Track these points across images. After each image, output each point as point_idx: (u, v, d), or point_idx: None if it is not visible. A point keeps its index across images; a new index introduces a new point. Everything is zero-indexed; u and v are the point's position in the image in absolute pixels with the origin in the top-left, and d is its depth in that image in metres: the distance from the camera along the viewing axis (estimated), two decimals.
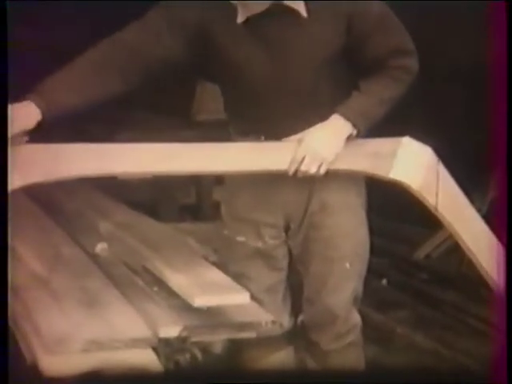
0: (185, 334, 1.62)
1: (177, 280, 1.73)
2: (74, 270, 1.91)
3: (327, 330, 1.87)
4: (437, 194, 1.72)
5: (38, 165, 1.54)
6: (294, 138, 1.72)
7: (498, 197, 1.51)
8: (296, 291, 1.98)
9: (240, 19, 1.67)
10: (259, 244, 1.85)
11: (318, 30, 1.68)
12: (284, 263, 1.90)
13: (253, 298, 1.78)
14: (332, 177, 1.77)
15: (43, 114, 1.55)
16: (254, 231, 1.84)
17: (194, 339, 1.64)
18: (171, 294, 1.74)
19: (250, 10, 1.66)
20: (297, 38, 1.69)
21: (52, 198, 2.56)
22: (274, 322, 1.70)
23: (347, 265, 1.83)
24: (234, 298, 1.66)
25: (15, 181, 1.50)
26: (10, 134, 1.49)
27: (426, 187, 1.71)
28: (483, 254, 1.75)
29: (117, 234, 2.16)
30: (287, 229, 1.86)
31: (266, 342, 1.80)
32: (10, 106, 1.49)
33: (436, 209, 1.72)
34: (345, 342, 1.88)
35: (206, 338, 1.67)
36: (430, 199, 1.72)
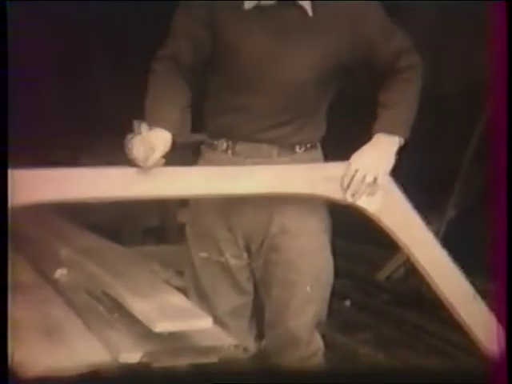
0: (146, 359, 1.61)
1: (138, 305, 1.72)
2: (34, 297, 1.89)
3: (290, 354, 1.87)
4: (392, 217, 1.75)
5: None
6: (341, 164, 1.74)
7: (498, 198, 1.52)
8: (260, 315, 1.98)
9: (247, 6, 1.72)
10: (221, 259, 1.86)
11: (322, 31, 1.73)
12: (249, 287, 1.91)
13: (217, 321, 1.79)
14: (293, 201, 1.79)
15: (173, 136, 1.69)
16: (214, 246, 1.86)
17: (155, 365, 1.64)
18: (132, 319, 1.72)
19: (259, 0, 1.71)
20: (299, 36, 1.73)
21: (13, 224, 2.52)
22: (236, 346, 1.70)
23: (308, 288, 1.83)
24: (196, 322, 1.66)
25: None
26: (142, 159, 1.62)
27: (381, 210, 1.74)
28: (439, 275, 1.78)
29: (77, 259, 2.14)
30: (248, 250, 1.87)
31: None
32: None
33: (392, 231, 1.75)
34: (308, 365, 1.88)
35: (167, 363, 1.66)
36: (386, 222, 1.75)
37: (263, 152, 1.79)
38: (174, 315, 1.67)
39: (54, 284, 2.02)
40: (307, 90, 1.76)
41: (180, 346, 1.66)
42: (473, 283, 1.86)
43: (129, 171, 1.65)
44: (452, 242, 1.88)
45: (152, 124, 1.68)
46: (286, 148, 1.80)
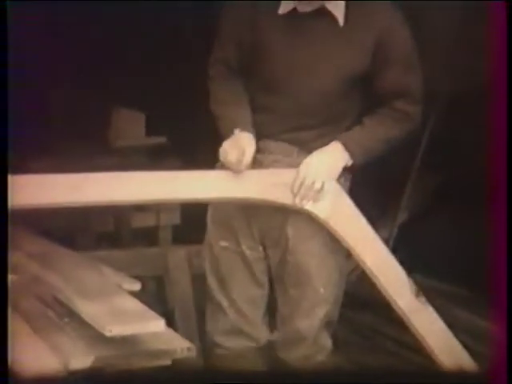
0: (98, 364, 1.59)
1: (89, 310, 1.70)
2: None
3: (295, 350, 1.93)
4: (341, 223, 1.79)
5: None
6: (291, 171, 1.77)
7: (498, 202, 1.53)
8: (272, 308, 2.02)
9: (282, 10, 1.77)
10: (239, 250, 1.90)
11: (350, 43, 1.76)
12: (264, 279, 1.95)
13: (234, 305, 1.89)
14: None
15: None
16: (233, 236, 1.90)
17: (107, 370, 1.61)
18: (83, 324, 1.70)
19: (295, 6, 1.75)
20: (328, 45, 1.77)
21: None
22: (189, 349, 1.69)
23: (321, 290, 1.88)
24: (148, 325, 1.65)
25: None
26: (235, 162, 1.74)
27: (331, 216, 1.77)
28: (386, 279, 1.82)
29: (28, 264, 2.10)
30: (263, 245, 1.91)
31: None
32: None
33: (341, 237, 1.79)
34: (312, 362, 1.92)
35: (120, 367, 1.64)
36: (335, 227, 1.78)
37: (285, 150, 1.83)
38: (126, 319, 1.66)
39: None
40: (332, 99, 1.80)
41: (132, 349, 1.65)
42: (420, 282, 1.89)
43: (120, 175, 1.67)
44: (404, 245, 1.91)
45: (236, 128, 1.77)
46: (305, 151, 1.82)
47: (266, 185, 1.75)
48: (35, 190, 1.63)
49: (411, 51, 1.80)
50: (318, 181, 1.76)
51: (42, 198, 1.62)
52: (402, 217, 3.13)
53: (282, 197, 1.77)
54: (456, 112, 3.02)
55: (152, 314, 1.70)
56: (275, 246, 1.89)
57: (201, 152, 2.05)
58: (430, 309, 1.85)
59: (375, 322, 3.12)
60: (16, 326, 1.71)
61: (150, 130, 3.53)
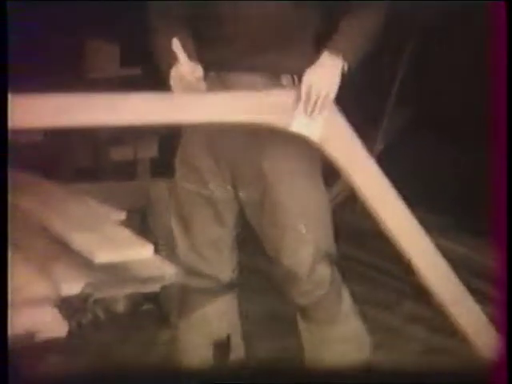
0: (88, 290, 1.62)
1: (77, 238, 1.72)
2: None
3: (291, 288, 1.90)
4: (335, 145, 1.74)
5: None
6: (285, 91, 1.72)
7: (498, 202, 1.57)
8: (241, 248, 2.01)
9: None
10: (205, 190, 1.87)
11: None
12: (231, 219, 1.92)
13: (195, 250, 1.88)
14: (282, 140, 1.79)
15: None
16: (198, 177, 1.87)
17: (97, 296, 1.65)
18: (72, 252, 1.73)
19: None
20: None
21: None
22: (177, 275, 1.73)
23: (303, 230, 1.84)
24: (136, 252, 1.68)
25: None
26: None
27: (325, 139, 1.73)
28: (380, 203, 1.78)
29: (13, 196, 2.10)
30: (234, 185, 1.88)
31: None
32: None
33: (335, 159, 1.75)
34: (313, 297, 1.90)
35: (109, 293, 1.68)
36: (329, 150, 1.74)
37: (249, 80, 1.78)
38: (114, 245, 1.69)
39: None
40: (284, 15, 1.76)
41: (122, 276, 1.68)
42: None
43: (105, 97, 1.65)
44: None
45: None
46: (272, 79, 1.79)
47: (258, 107, 1.71)
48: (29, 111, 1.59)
49: None
50: (323, 89, 1.71)
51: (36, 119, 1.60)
52: (379, 147, 3.19)
53: (275, 119, 1.72)
54: (432, 43, 3.04)
55: (140, 240, 1.73)
56: (249, 185, 1.86)
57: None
58: (424, 234, 1.85)
59: (352, 250, 3.20)
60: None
61: (124, 62, 3.48)
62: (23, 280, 1.62)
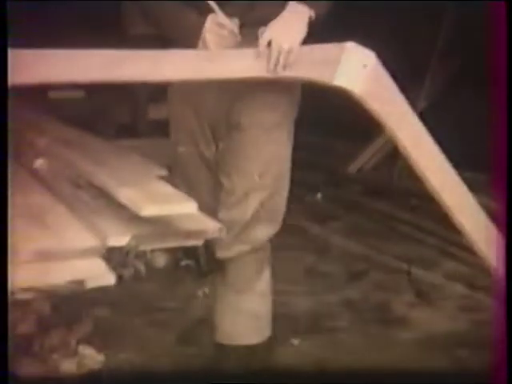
0: (133, 243, 1.64)
1: (123, 192, 1.73)
2: (16, 185, 1.87)
3: (226, 243, 1.88)
4: (378, 99, 1.72)
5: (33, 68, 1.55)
6: (261, 40, 1.70)
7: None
8: None
9: None
10: (196, 152, 1.92)
11: None
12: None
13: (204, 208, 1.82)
14: (252, 92, 1.80)
15: None
16: (190, 139, 1.91)
17: (142, 248, 1.67)
18: (118, 206, 1.74)
19: None
20: None
21: None
22: (220, 230, 1.74)
23: (256, 177, 1.87)
24: (181, 207, 1.68)
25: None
26: None
27: (368, 93, 1.70)
28: (422, 157, 1.76)
29: (57, 149, 2.13)
30: (215, 141, 1.91)
31: None
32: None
33: (378, 113, 1.72)
34: (234, 252, 1.91)
35: (153, 246, 1.70)
36: (372, 105, 1.71)
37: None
38: (160, 200, 1.70)
39: (33, 174, 2.02)
40: None
41: (165, 230, 1.69)
42: None
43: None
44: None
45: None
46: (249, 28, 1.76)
47: (301, 61, 1.69)
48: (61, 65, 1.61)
49: None
50: (284, 43, 1.68)
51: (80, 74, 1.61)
52: (422, 105, 3.14)
53: (320, 73, 1.69)
54: None
55: (184, 196, 1.74)
56: (219, 136, 1.90)
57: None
58: (467, 191, 1.83)
59: (391, 209, 3.19)
60: (52, 208, 1.77)
61: None
62: (71, 232, 1.64)
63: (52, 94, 3.31)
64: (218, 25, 1.73)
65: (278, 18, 1.72)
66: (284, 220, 1.99)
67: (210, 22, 1.73)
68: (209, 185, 1.95)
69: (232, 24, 1.74)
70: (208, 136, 1.91)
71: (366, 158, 3.57)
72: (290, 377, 2.02)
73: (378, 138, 3.47)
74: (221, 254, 1.91)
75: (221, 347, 2.00)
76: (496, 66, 1.68)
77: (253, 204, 1.89)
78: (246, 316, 1.96)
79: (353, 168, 3.63)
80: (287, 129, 1.90)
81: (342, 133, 3.62)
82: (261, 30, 1.74)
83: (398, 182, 3.18)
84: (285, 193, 1.94)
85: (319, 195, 3.51)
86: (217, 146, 1.92)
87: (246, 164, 1.87)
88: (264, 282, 1.98)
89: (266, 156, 1.87)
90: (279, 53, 1.68)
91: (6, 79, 1.50)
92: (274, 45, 1.69)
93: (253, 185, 1.88)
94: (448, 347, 2.18)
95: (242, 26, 1.78)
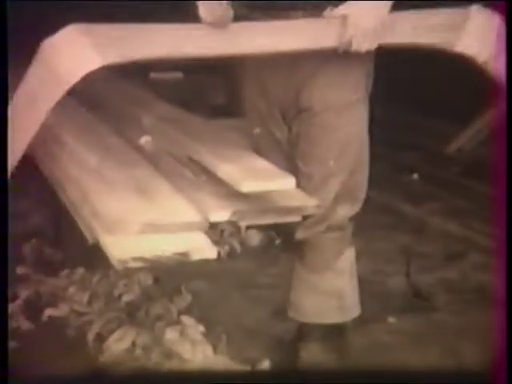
0: (234, 218, 1.68)
1: (224, 168, 1.78)
2: (122, 160, 1.96)
3: (310, 226, 1.88)
4: (502, 64, 1.64)
5: (116, 45, 1.55)
6: (337, 12, 1.66)
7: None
8: None
9: None
10: (267, 133, 1.91)
11: None
12: None
13: None
14: (321, 72, 1.77)
15: None
16: (262, 121, 1.91)
17: (242, 223, 1.71)
18: (218, 182, 1.79)
19: None
20: None
21: (92, 95, 2.59)
22: (318, 206, 1.76)
23: (331, 163, 1.84)
24: (280, 183, 1.71)
25: (95, 61, 1.51)
26: None
27: (493, 59, 1.65)
28: None
29: (160, 127, 2.20)
30: (288, 125, 1.89)
31: None
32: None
33: (500, 80, 1.65)
34: (312, 232, 1.89)
35: (253, 222, 1.73)
36: (497, 72, 1.65)
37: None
38: (260, 176, 1.73)
39: (139, 150, 2.10)
40: None
41: (265, 206, 1.72)
42: None
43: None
44: None
45: None
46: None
47: (422, 27, 1.65)
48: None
49: None
50: (368, 22, 1.62)
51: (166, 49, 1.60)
52: None
53: (442, 38, 1.65)
54: None
55: (283, 172, 1.77)
56: (292, 120, 1.86)
57: None
58: None
59: (490, 189, 3.10)
60: (157, 182, 1.83)
61: None
62: (175, 206, 1.70)
63: (152, 75, 3.42)
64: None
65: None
66: (378, 200, 1.96)
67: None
68: (282, 167, 1.90)
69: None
70: (278, 119, 1.90)
71: (466, 138, 3.48)
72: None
73: (478, 118, 3.37)
74: (299, 234, 1.91)
75: (305, 325, 1.99)
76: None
77: (333, 188, 1.87)
78: (326, 295, 1.94)
79: (451, 148, 3.54)
80: (360, 106, 1.85)
81: (443, 112, 3.54)
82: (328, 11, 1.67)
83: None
84: (366, 170, 1.91)
85: (415, 175, 3.45)
86: (289, 128, 1.90)
87: (319, 150, 1.84)
88: (345, 261, 1.95)
89: (341, 140, 1.84)
90: (363, 30, 1.62)
91: (5, 79, 1.53)
92: (358, 38, 1.63)
93: (329, 171, 1.85)
94: None
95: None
